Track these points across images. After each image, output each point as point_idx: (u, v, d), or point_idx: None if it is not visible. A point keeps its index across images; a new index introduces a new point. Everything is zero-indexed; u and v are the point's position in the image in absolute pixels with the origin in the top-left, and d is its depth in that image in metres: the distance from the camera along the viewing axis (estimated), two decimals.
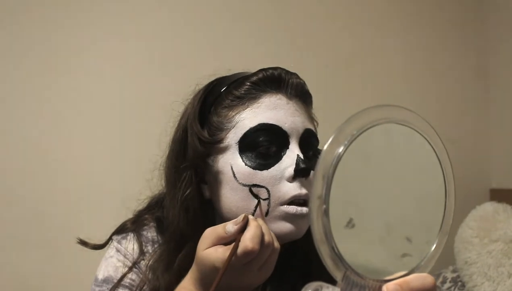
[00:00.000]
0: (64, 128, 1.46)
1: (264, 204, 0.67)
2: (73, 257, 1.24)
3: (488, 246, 1.61)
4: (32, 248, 1.40)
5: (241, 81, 0.73)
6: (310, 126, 0.73)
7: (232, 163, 0.69)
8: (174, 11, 1.61)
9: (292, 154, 0.69)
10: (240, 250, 0.58)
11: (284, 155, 0.69)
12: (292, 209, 0.67)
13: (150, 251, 0.75)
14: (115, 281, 0.73)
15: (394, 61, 1.97)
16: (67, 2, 1.47)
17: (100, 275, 0.74)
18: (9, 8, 1.42)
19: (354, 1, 1.91)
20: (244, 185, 0.68)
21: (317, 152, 0.72)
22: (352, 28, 1.90)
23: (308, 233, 0.71)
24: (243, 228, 0.60)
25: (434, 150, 0.49)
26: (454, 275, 1.71)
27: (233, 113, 0.71)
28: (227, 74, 0.77)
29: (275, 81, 0.72)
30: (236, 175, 0.68)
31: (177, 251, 0.71)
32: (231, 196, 0.69)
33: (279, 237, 0.67)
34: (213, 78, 0.77)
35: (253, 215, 0.65)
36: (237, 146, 0.69)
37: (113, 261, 0.75)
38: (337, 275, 0.46)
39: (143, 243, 0.76)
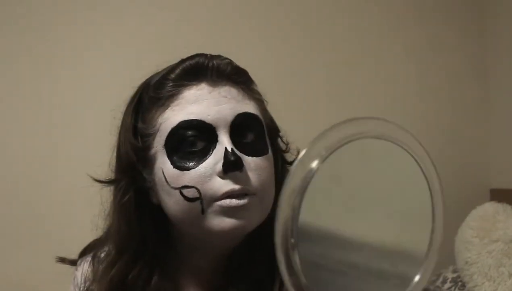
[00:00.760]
0: (64, 128, 1.46)
1: (196, 204, 0.63)
2: (71, 256, 1.23)
3: (488, 246, 1.60)
4: (30, 248, 1.40)
5: (160, 80, 0.68)
6: (246, 109, 0.66)
7: (162, 167, 0.65)
8: (175, 11, 1.61)
9: (221, 147, 0.63)
10: None
11: (213, 149, 0.64)
12: (227, 201, 0.62)
13: None
14: None
15: (394, 62, 1.97)
16: (63, 3, 1.47)
17: None
18: (9, 8, 1.42)
19: (354, 2, 1.91)
20: (175, 188, 0.64)
21: (260, 132, 0.67)
22: (352, 28, 1.90)
23: (271, 226, 0.70)
24: None
25: (419, 164, 0.44)
26: (455, 275, 1.71)
27: (156, 116, 0.67)
28: (158, 70, 0.72)
29: (194, 71, 0.67)
30: (167, 179, 0.65)
31: (127, 269, 0.69)
32: (168, 201, 0.66)
33: (223, 232, 0.63)
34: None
35: None
36: (164, 149, 0.65)
37: (70, 289, 0.77)
38: None
39: (96, 269, 0.73)
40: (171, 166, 0.64)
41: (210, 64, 0.67)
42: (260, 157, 0.66)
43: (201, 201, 0.63)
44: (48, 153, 1.44)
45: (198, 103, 0.65)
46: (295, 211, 0.40)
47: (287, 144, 0.75)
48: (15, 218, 1.40)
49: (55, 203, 1.43)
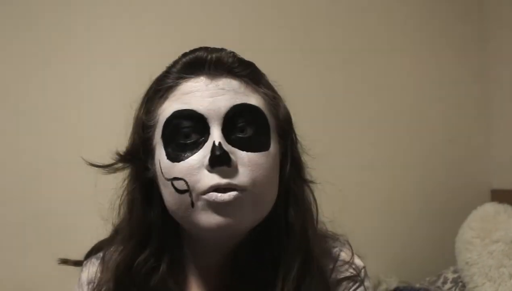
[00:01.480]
0: (64, 128, 1.46)
1: (185, 196, 0.62)
2: (73, 258, 1.23)
3: (489, 247, 1.60)
4: (31, 248, 1.40)
5: (163, 74, 0.70)
6: (246, 101, 0.65)
7: (160, 158, 0.66)
8: (175, 10, 1.61)
9: (212, 140, 0.62)
10: None
11: (204, 142, 0.63)
12: (213, 195, 0.61)
13: None
14: None
15: (394, 61, 1.97)
16: (64, 2, 1.47)
17: None
18: (8, 7, 1.42)
19: (353, 2, 1.91)
20: (168, 179, 0.64)
21: (262, 126, 0.65)
22: (352, 28, 1.90)
23: (274, 224, 0.68)
24: None
25: None
26: (455, 275, 1.71)
27: (156, 108, 0.68)
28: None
29: (193, 64, 0.67)
30: (162, 171, 0.65)
31: (134, 255, 0.69)
32: (164, 193, 0.66)
33: (211, 230, 0.63)
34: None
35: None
36: (161, 141, 0.65)
37: (75, 289, 0.78)
38: None
39: (102, 270, 0.74)
40: (165, 157, 0.64)
41: (209, 57, 0.66)
42: (257, 153, 0.63)
43: (190, 193, 0.62)
44: (48, 153, 1.44)
45: (193, 94, 0.65)
46: None
47: (298, 143, 0.73)
48: (14, 219, 1.40)
49: (57, 203, 1.43)
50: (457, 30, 2.10)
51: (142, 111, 0.71)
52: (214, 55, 0.67)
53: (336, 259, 0.74)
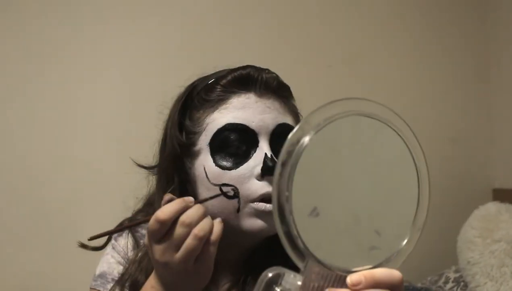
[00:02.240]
0: (64, 127, 1.46)
1: (234, 202, 0.70)
2: (74, 257, 1.23)
3: (491, 246, 1.60)
4: (33, 247, 1.40)
5: (211, 85, 0.75)
6: (285, 121, 0.74)
7: (204, 164, 0.71)
8: (170, 11, 1.61)
9: (261, 152, 0.70)
10: (151, 218, 0.61)
11: (253, 153, 0.71)
12: (261, 206, 0.69)
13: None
14: (108, 276, 0.79)
15: (396, 61, 1.97)
16: (66, 3, 1.47)
17: (97, 271, 0.80)
18: (8, 7, 1.42)
19: (355, 1, 1.91)
20: (215, 185, 0.70)
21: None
22: (353, 28, 1.89)
23: None
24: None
25: (407, 145, 0.49)
26: (457, 275, 1.71)
27: (204, 117, 0.73)
28: (207, 74, 0.78)
29: (244, 81, 0.73)
30: (208, 176, 0.71)
31: None
32: (206, 195, 0.71)
33: (252, 233, 0.71)
34: (195, 78, 0.80)
35: (200, 202, 0.66)
36: (208, 148, 0.71)
37: (108, 258, 0.81)
38: (299, 263, 0.46)
39: (139, 240, 0.80)
40: (213, 164, 0.71)
41: (260, 77, 0.73)
42: None
43: (238, 200, 0.70)
44: (48, 152, 1.44)
45: (245, 110, 0.72)
46: (292, 169, 0.44)
47: None
48: (16, 218, 1.40)
49: (57, 202, 1.43)
50: (459, 30, 2.10)
51: (180, 115, 0.76)
52: (264, 76, 0.74)
53: None
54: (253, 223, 0.70)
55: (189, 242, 0.61)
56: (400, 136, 0.48)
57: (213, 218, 0.71)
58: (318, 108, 0.46)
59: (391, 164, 0.49)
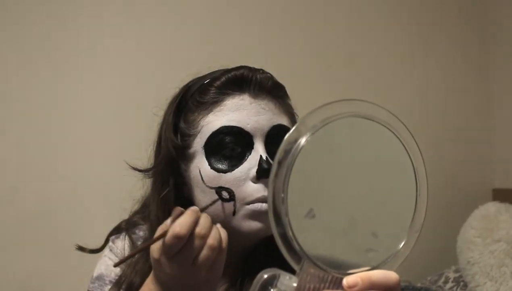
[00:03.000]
0: (63, 128, 1.46)
1: (230, 205, 0.69)
2: (74, 257, 1.23)
3: (490, 246, 1.60)
4: (32, 247, 1.40)
5: (205, 86, 0.74)
6: (281, 122, 0.73)
7: (200, 167, 0.71)
8: (165, 13, 1.61)
9: (256, 154, 0.70)
10: (168, 234, 0.58)
11: (248, 155, 0.70)
12: (257, 206, 0.69)
13: None
14: (106, 278, 0.78)
15: (396, 61, 1.97)
16: (68, 3, 1.48)
17: (95, 273, 0.80)
18: (8, 7, 1.42)
19: (355, 2, 1.91)
20: (211, 188, 0.70)
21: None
22: (353, 28, 1.89)
23: None
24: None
25: (404, 147, 0.49)
26: (457, 275, 1.71)
27: (198, 119, 0.73)
28: (201, 75, 0.78)
29: (238, 82, 0.72)
30: (203, 179, 0.70)
31: None
32: (202, 198, 0.71)
33: (250, 235, 0.70)
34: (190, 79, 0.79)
35: (202, 210, 0.64)
36: (203, 151, 0.71)
37: (105, 260, 0.80)
38: (295, 265, 0.46)
39: (135, 241, 0.79)
40: (209, 167, 0.70)
41: (254, 78, 0.72)
42: None
43: (234, 203, 0.69)
44: (47, 153, 1.44)
45: (239, 112, 0.71)
46: (288, 171, 0.44)
47: None
48: (15, 218, 1.40)
49: (60, 202, 1.43)
50: (460, 30, 2.10)
51: (174, 117, 0.75)
52: (258, 76, 0.73)
53: None
54: (250, 225, 0.69)
55: (205, 252, 0.60)
56: (398, 138, 0.48)
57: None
58: (315, 109, 0.46)
59: (389, 166, 0.49)
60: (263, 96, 0.73)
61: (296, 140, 0.45)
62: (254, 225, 0.69)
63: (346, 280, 0.46)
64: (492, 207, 1.72)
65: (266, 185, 0.68)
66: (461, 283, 1.67)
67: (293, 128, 0.45)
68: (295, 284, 0.46)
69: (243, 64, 0.76)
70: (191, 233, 0.59)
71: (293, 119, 0.77)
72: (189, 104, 0.75)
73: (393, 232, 0.49)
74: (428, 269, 1.82)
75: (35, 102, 1.44)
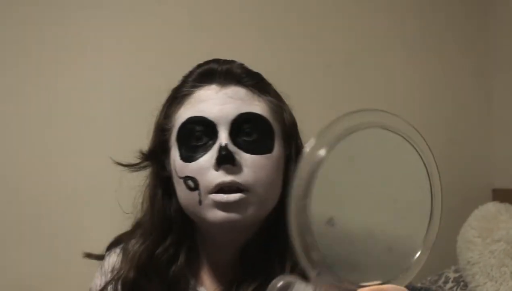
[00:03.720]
0: (63, 128, 1.46)
1: (195, 194, 0.70)
2: (72, 258, 1.24)
3: (490, 246, 1.60)
4: (32, 248, 1.40)
5: (181, 82, 0.78)
6: (251, 109, 0.72)
7: (174, 158, 0.74)
8: (164, 14, 1.61)
9: (219, 141, 0.70)
10: None
11: (213, 144, 0.71)
12: (219, 197, 0.69)
13: None
14: None
15: (396, 61, 1.96)
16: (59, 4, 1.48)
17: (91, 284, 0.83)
18: (7, 7, 1.42)
19: (355, 1, 1.91)
20: (180, 177, 0.72)
21: (266, 132, 0.72)
22: (353, 28, 1.89)
23: (279, 222, 0.71)
24: None
25: (423, 161, 0.48)
26: (457, 275, 1.70)
27: (174, 113, 0.76)
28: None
29: (208, 74, 0.74)
30: (176, 169, 0.73)
31: (154, 246, 0.76)
32: (177, 189, 0.74)
33: (216, 225, 0.70)
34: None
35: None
36: (176, 143, 0.73)
37: (96, 275, 0.83)
38: (311, 272, 0.45)
39: (129, 253, 0.79)
40: (179, 157, 0.72)
41: (220, 68, 0.74)
42: (259, 155, 0.70)
43: (199, 192, 0.70)
44: (47, 153, 1.44)
45: (205, 102, 0.72)
46: (312, 180, 0.44)
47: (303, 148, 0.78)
48: (15, 218, 1.40)
49: (59, 203, 1.43)
50: (460, 30, 2.10)
51: (161, 116, 0.79)
52: (224, 66, 0.74)
53: None
54: (215, 214, 0.69)
55: None
56: (417, 151, 0.48)
57: (186, 211, 0.74)
58: (334, 121, 0.46)
59: (407, 180, 0.49)
60: (232, 85, 0.73)
61: (316, 153, 0.45)
62: (219, 215, 0.69)
63: None
64: (492, 207, 1.71)
65: (227, 172, 0.69)
66: (461, 283, 1.67)
67: (313, 140, 0.45)
68: None
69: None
70: None
71: (275, 108, 0.76)
72: (169, 100, 0.79)
73: (407, 248, 0.49)
74: (428, 269, 1.81)
75: (35, 102, 1.44)
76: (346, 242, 0.47)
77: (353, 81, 1.87)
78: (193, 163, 0.70)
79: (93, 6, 1.50)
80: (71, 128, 1.47)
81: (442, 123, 2.03)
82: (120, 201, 0.84)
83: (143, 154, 0.80)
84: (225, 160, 0.68)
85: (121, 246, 0.82)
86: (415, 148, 0.48)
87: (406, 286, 0.47)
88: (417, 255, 0.48)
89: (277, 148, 0.73)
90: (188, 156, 0.71)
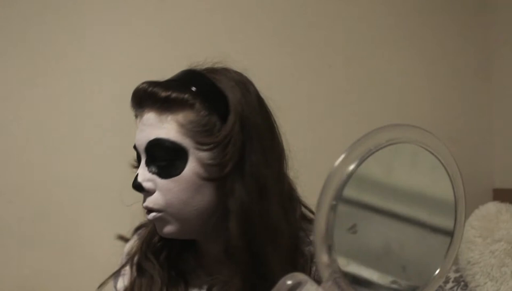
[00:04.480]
0: (63, 129, 1.46)
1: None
2: (73, 257, 1.24)
3: (491, 246, 1.60)
4: (33, 248, 1.40)
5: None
6: (157, 135, 0.71)
7: None
8: (174, 11, 1.61)
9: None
10: None
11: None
12: (148, 216, 0.74)
13: None
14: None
15: (396, 61, 1.96)
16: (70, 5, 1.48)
17: None
18: (7, 7, 1.42)
19: (354, 2, 1.91)
20: None
21: (174, 153, 0.71)
22: (353, 28, 1.89)
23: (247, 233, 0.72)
24: None
25: (454, 191, 0.48)
26: (457, 275, 1.70)
27: None
28: None
29: (136, 100, 0.75)
30: None
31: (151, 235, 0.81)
32: None
33: (164, 236, 0.76)
34: None
35: None
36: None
37: (121, 258, 0.85)
38: (325, 274, 0.45)
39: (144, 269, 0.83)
40: None
41: (139, 94, 0.74)
42: (168, 179, 0.72)
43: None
44: (49, 152, 1.44)
45: (137, 130, 0.75)
46: (343, 181, 0.44)
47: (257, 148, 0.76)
48: (16, 218, 1.40)
49: (61, 203, 1.43)
50: (459, 29, 2.10)
51: None
52: (143, 90, 0.73)
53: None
54: (158, 229, 0.75)
55: None
56: (449, 175, 0.48)
57: None
58: (366, 134, 0.46)
59: (434, 202, 0.49)
60: (146, 111, 0.73)
61: (346, 167, 0.45)
62: (158, 228, 0.75)
63: None
64: (492, 207, 1.71)
65: (144, 197, 0.74)
66: (462, 283, 1.67)
67: (343, 155, 0.45)
68: None
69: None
70: None
71: (190, 123, 0.71)
72: None
73: (420, 271, 0.48)
74: None
75: (36, 103, 1.44)
76: (364, 252, 0.46)
77: (354, 81, 1.87)
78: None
79: (93, 6, 1.50)
80: (72, 128, 1.47)
81: (443, 123, 2.03)
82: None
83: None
84: (136, 189, 0.73)
85: (140, 230, 0.86)
86: (449, 176, 0.48)
87: None
88: (428, 281, 0.48)
89: (191, 166, 0.71)
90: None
